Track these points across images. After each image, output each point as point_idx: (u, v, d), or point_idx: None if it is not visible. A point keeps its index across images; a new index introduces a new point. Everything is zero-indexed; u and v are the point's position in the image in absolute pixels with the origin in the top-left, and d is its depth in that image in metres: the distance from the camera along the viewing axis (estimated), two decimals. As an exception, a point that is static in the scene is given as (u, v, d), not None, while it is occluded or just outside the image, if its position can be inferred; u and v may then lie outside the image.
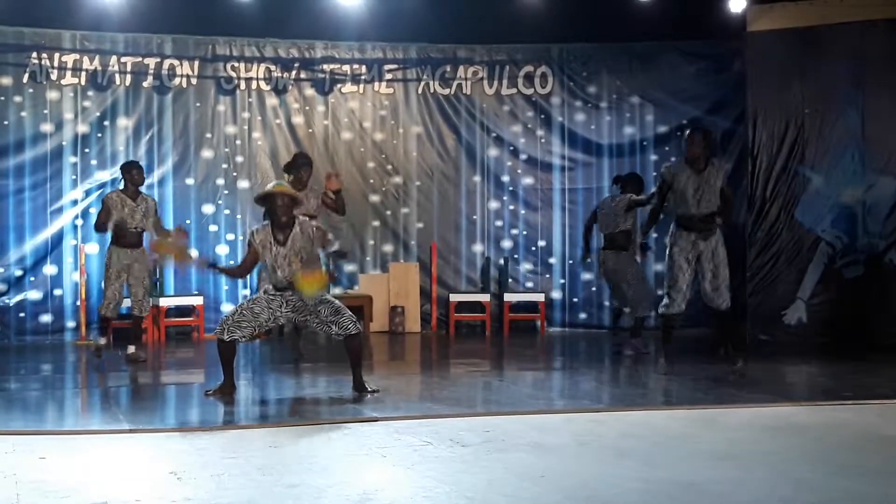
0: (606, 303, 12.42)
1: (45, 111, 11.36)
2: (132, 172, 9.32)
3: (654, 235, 11.07)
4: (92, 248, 11.36)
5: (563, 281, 12.49)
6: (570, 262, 12.51)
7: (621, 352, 9.81)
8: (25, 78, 11.28)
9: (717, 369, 8.45)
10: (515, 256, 12.58)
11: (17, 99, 11.28)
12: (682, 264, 8.28)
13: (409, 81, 12.49)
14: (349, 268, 12.25)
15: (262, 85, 12.06)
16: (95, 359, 9.32)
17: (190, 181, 11.81)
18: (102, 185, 11.40)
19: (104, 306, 9.26)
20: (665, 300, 8.44)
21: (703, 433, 5.71)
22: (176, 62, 11.79)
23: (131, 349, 9.27)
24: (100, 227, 9.35)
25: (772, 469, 4.78)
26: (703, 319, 12.20)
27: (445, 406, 6.76)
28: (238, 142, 12.00)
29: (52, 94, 11.38)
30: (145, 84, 11.68)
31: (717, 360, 8.64)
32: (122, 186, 9.39)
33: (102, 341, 9.54)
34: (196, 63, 11.87)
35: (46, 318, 11.30)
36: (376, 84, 12.39)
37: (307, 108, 12.18)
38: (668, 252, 8.44)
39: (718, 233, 8.30)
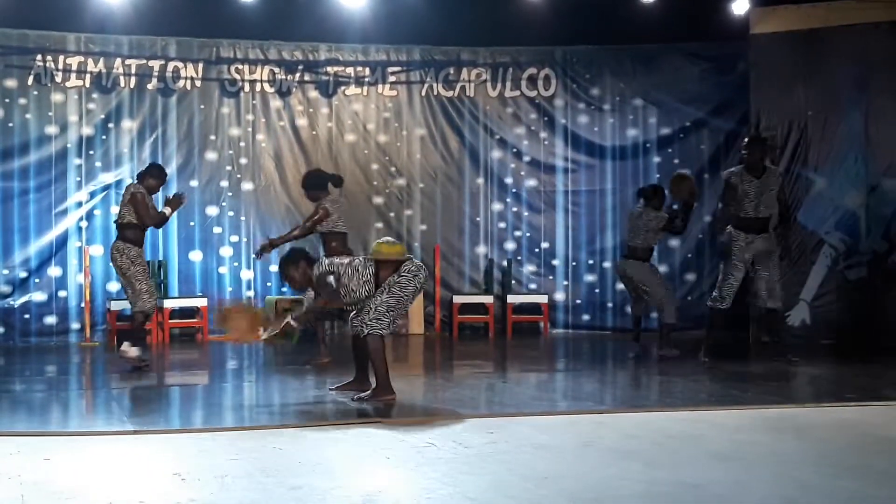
0: (610, 304, 12.44)
1: (50, 113, 11.39)
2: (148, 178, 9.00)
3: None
4: (96, 251, 11.40)
5: (566, 283, 12.50)
6: (574, 263, 12.53)
7: (639, 356, 9.70)
8: (30, 80, 11.30)
9: (719, 371, 8.47)
10: (519, 258, 12.59)
11: (22, 101, 11.31)
12: (737, 263, 8.84)
13: (413, 84, 12.51)
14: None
15: (266, 87, 12.08)
16: (144, 372, 8.55)
17: (194, 183, 11.83)
18: (107, 188, 11.45)
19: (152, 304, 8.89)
20: (715, 294, 8.98)
21: (707, 434, 5.71)
22: (180, 64, 11.81)
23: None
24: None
25: (775, 471, 4.78)
26: (706, 321, 12.25)
27: (449, 407, 6.77)
28: (242, 144, 12.02)
29: (56, 97, 11.41)
30: (150, 86, 11.71)
31: (724, 361, 8.68)
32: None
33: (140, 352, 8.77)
34: (200, 65, 11.90)
35: (51, 319, 11.33)
36: (380, 86, 12.41)
37: (311, 110, 12.21)
38: (725, 251, 8.99)
39: (773, 235, 8.97)
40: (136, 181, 9.17)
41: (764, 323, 9.38)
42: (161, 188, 9.24)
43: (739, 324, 11.24)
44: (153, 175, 9.06)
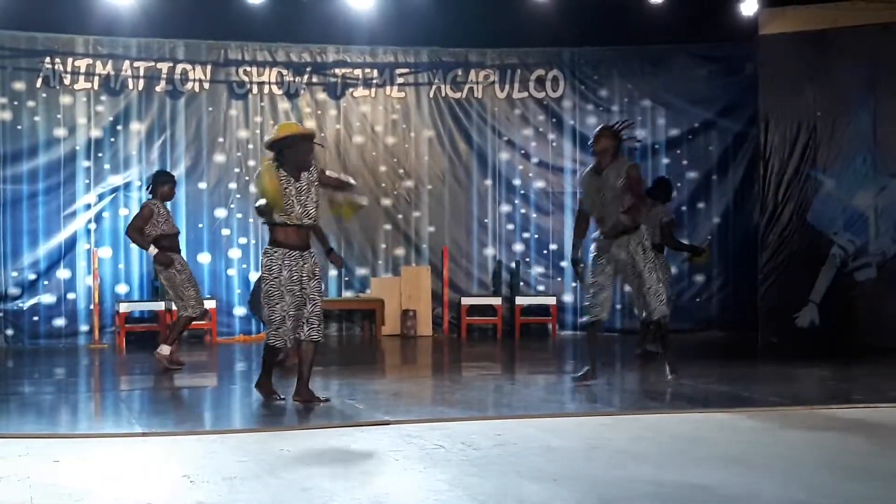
0: (618, 306, 12.42)
1: (59, 116, 11.42)
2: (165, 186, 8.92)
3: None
4: (105, 252, 11.43)
5: (574, 284, 12.48)
6: (582, 265, 12.49)
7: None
8: (39, 83, 11.34)
9: (727, 372, 8.45)
10: (527, 260, 12.59)
11: (31, 104, 11.34)
12: (596, 272, 7.77)
13: (421, 85, 12.52)
14: (361, 271, 12.30)
15: (275, 89, 12.11)
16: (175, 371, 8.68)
17: (202, 185, 11.86)
18: (115, 190, 11.48)
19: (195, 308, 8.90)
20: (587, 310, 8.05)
21: (715, 436, 5.70)
22: (188, 67, 11.84)
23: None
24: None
25: (784, 473, 4.77)
26: (713, 322, 12.24)
27: (457, 409, 6.77)
28: (250, 146, 12.03)
29: (65, 99, 11.44)
30: (158, 89, 11.74)
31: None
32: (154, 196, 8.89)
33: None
34: (208, 67, 11.93)
35: (60, 321, 11.36)
36: (388, 88, 12.42)
37: (319, 112, 12.22)
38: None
39: (632, 237, 7.53)
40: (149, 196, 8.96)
41: (650, 335, 8.31)
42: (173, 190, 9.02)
43: (748, 324, 11.24)
44: (161, 182, 8.93)
